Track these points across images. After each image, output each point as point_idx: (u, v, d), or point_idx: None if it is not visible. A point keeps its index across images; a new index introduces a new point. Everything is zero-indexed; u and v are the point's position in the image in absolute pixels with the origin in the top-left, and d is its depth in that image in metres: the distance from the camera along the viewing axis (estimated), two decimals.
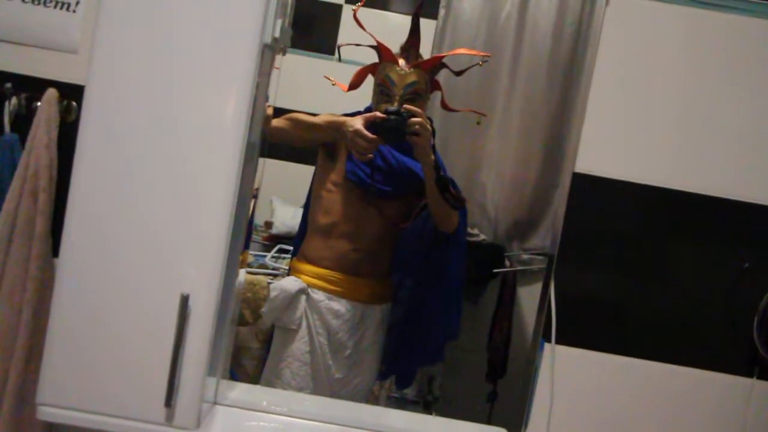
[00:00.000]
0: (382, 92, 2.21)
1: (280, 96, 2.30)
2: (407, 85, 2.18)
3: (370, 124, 2.16)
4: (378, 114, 2.13)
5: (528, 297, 3.32)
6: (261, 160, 1.64)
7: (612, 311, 1.58)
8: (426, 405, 3.08)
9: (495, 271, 3.25)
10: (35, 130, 1.56)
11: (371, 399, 2.55)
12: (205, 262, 1.43)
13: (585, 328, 1.57)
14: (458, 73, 2.33)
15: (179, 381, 1.43)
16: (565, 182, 1.60)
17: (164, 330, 1.41)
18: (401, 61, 2.21)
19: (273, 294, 2.30)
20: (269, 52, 1.49)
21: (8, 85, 1.60)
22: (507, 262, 3.24)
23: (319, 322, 2.31)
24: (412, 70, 2.20)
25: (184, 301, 1.40)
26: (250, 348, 2.76)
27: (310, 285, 2.32)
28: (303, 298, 2.31)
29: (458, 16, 3.22)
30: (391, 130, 2.12)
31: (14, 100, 1.59)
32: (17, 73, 1.61)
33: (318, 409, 1.74)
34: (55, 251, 1.54)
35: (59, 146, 1.59)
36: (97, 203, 1.43)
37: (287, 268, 2.48)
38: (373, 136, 2.14)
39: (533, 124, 3.14)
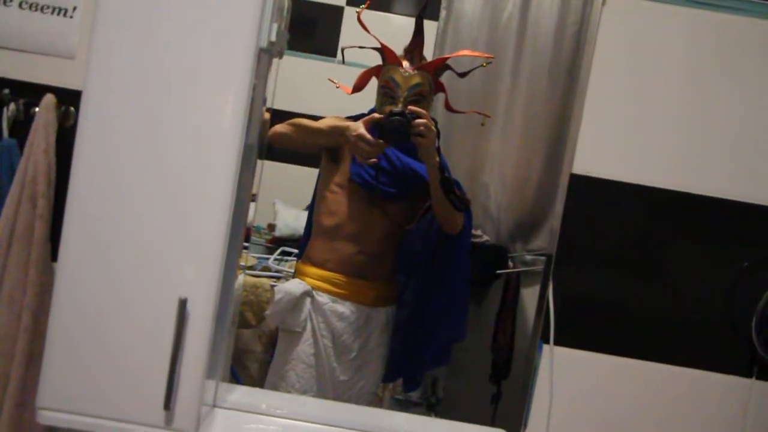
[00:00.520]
0: (386, 94, 2.21)
1: (282, 99, 2.31)
2: (411, 86, 2.18)
3: (374, 126, 2.17)
4: (375, 116, 2.14)
5: (531, 298, 3.27)
6: (261, 163, 1.64)
7: (610, 312, 1.57)
8: (430, 406, 3.07)
9: (498, 272, 3.25)
10: (33, 135, 1.56)
11: (375, 401, 2.55)
12: (203, 266, 1.43)
13: (583, 329, 1.57)
14: (462, 75, 2.33)
15: (178, 384, 1.44)
16: (563, 183, 1.60)
17: (163, 333, 1.42)
18: (405, 63, 2.21)
19: (277, 297, 2.30)
20: (266, 56, 1.49)
21: (6, 91, 1.61)
22: (510, 263, 3.24)
23: (324, 325, 2.31)
24: (416, 71, 2.20)
25: (182, 304, 1.40)
26: (254, 351, 2.76)
27: (314, 288, 2.32)
28: (308, 300, 2.31)
29: (459, 17, 3.21)
30: (396, 131, 2.12)
31: (12, 105, 1.60)
32: (15, 79, 1.63)
33: (318, 412, 1.74)
34: (54, 256, 1.55)
35: (57, 151, 1.59)
36: (95, 207, 1.43)
37: (291, 270, 2.48)
38: (377, 140, 2.14)
39: (536, 125, 3.12)
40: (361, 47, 2.23)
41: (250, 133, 1.47)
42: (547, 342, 1.55)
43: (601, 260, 1.56)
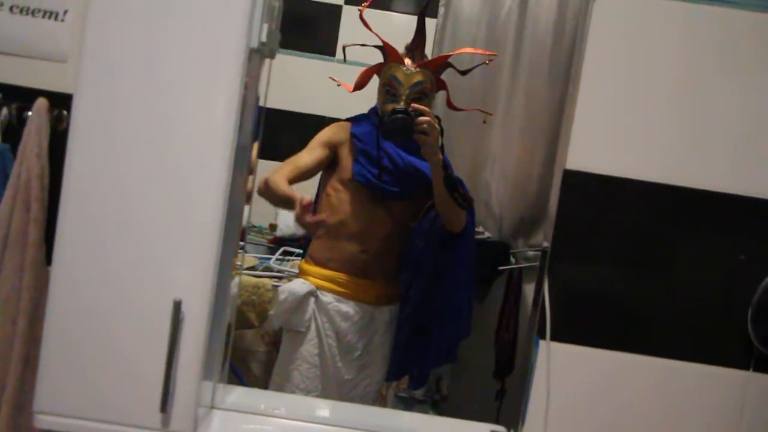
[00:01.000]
0: (388, 92, 2.21)
1: (282, 99, 2.31)
2: (413, 84, 2.19)
3: (379, 123, 2.17)
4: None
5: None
6: (257, 162, 1.64)
7: (607, 307, 1.57)
8: (434, 404, 3.09)
9: (500, 268, 3.25)
10: (26, 139, 1.56)
11: (379, 399, 2.56)
12: (198, 267, 1.44)
13: (579, 324, 1.57)
14: (464, 73, 2.33)
15: (174, 386, 1.44)
16: (557, 179, 1.59)
17: (158, 335, 1.42)
18: (407, 61, 2.21)
19: (281, 297, 2.30)
20: (257, 56, 1.49)
21: None
22: (512, 260, 3.25)
23: (329, 325, 2.31)
24: (418, 69, 2.21)
25: (177, 306, 1.41)
26: (257, 351, 2.77)
27: (318, 287, 2.33)
28: (312, 300, 2.32)
29: (458, 14, 3.22)
30: (399, 129, 2.13)
31: (4, 110, 1.60)
32: (7, 83, 1.62)
33: (317, 412, 1.74)
34: (48, 259, 1.54)
35: (51, 155, 1.59)
36: (89, 211, 1.43)
37: (293, 270, 2.49)
38: (316, 222, 2.17)
39: (536, 121, 3.13)
40: (363, 45, 2.23)
41: (242, 134, 1.47)
42: (544, 338, 1.54)
43: (597, 255, 1.56)
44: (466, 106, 2.43)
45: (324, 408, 1.98)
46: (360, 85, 2.30)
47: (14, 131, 1.60)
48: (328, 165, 2.36)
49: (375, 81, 2.31)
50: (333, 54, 3.44)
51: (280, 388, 2.29)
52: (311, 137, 2.41)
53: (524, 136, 3.18)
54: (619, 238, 1.56)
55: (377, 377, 2.38)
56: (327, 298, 2.32)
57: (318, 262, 2.36)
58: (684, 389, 1.55)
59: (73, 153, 1.42)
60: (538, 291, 1.60)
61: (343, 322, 2.31)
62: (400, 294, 2.39)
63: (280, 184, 2.24)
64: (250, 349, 2.78)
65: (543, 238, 3.27)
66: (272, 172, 2.29)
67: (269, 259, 2.98)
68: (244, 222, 1.63)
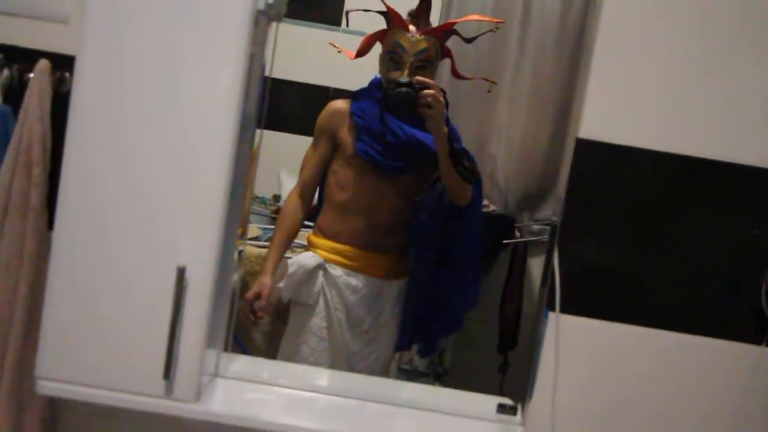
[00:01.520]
0: (392, 59, 2.16)
1: (287, 68, 2.27)
2: (418, 52, 2.14)
3: (382, 96, 2.13)
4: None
5: (539, 268, 3.31)
6: (261, 132, 1.61)
7: (617, 280, 1.54)
8: (437, 376, 3.07)
9: (505, 241, 3.24)
10: (28, 102, 1.53)
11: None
12: (202, 234, 1.42)
13: (590, 297, 1.54)
14: (469, 40, 2.28)
15: (177, 354, 1.43)
16: (569, 148, 1.57)
17: (162, 302, 1.41)
18: (411, 28, 2.16)
19: (291, 270, 2.29)
20: (264, 18, 1.46)
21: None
22: (517, 233, 3.23)
23: (338, 298, 2.29)
24: (423, 36, 2.16)
25: (181, 273, 1.39)
26: (260, 322, 2.75)
27: (327, 260, 2.30)
28: (320, 273, 2.30)
29: None
30: (403, 102, 2.08)
31: (6, 71, 1.57)
32: (8, 45, 1.59)
33: (321, 382, 1.73)
34: (50, 224, 1.52)
35: (53, 118, 1.56)
36: (91, 175, 1.42)
37: (297, 241, 2.46)
38: (256, 317, 2.28)
39: (543, 93, 3.10)
40: (366, 11, 2.18)
41: (248, 100, 1.45)
42: (553, 310, 1.52)
43: (609, 227, 1.53)
44: (472, 75, 2.39)
45: (328, 378, 1.97)
46: (362, 51, 2.25)
47: (16, 93, 1.57)
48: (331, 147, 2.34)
49: (377, 49, 2.26)
50: (338, 24, 3.39)
51: (290, 361, 2.26)
52: (315, 109, 2.39)
53: (531, 108, 3.15)
54: (631, 209, 1.53)
55: (385, 350, 2.36)
56: (336, 271, 2.30)
57: (327, 235, 2.34)
58: (696, 364, 1.53)
59: (75, 116, 1.41)
60: (548, 262, 1.57)
61: (351, 295, 2.29)
62: (408, 267, 2.36)
63: (276, 237, 2.37)
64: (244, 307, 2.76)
65: (550, 213, 3.30)
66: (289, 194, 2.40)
67: (272, 229, 2.95)
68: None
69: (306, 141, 2.44)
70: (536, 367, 1.57)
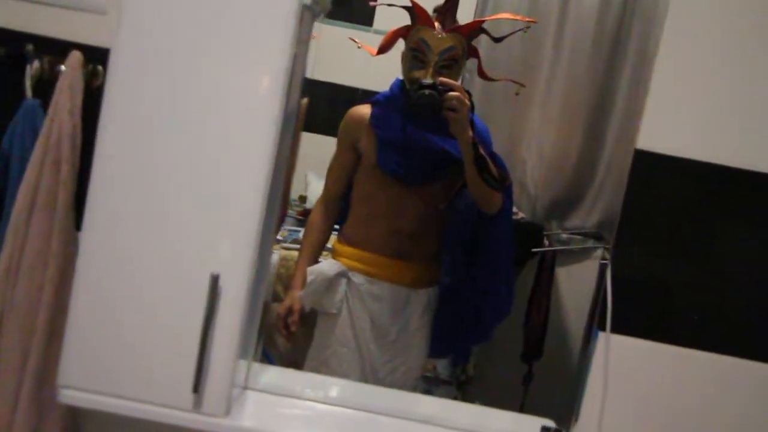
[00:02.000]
0: (416, 57, 2.07)
1: (315, 68, 2.21)
2: (444, 50, 2.05)
3: (405, 99, 2.05)
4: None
5: (567, 277, 3.29)
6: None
7: (674, 299, 1.47)
8: (459, 385, 3.06)
9: (534, 250, 3.19)
10: (58, 95, 1.48)
11: None
12: (238, 240, 1.36)
13: (644, 316, 1.47)
14: (498, 40, 2.18)
15: (208, 365, 1.37)
16: (622, 159, 1.49)
17: (193, 311, 1.35)
18: (437, 25, 2.07)
19: (310, 278, 2.22)
20: (309, 14, 1.40)
21: (30, 47, 1.52)
22: (546, 242, 3.18)
23: (360, 306, 2.22)
24: (449, 34, 2.06)
25: (214, 281, 1.33)
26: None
27: (350, 268, 2.24)
28: (343, 281, 2.24)
29: None
30: (426, 105, 1.98)
31: (36, 63, 1.51)
32: (39, 35, 1.53)
33: (352, 396, 1.66)
34: (78, 225, 1.47)
35: (84, 113, 1.51)
36: (123, 175, 1.36)
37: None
38: (289, 332, 2.26)
39: (577, 97, 3.07)
40: (390, 5, 2.09)
41: (290, 101, 1.38)
42: (603, 329, 1.44)
43: (666, 243, 1.46)
44: (499, 77, 2.31)
45: (361, 393, 1.89)
46: (384, 48, 2.16)
47: (46, 86, 1.51)
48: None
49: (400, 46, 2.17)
50: (369, 23, 3.33)
51: (317, 372, 2.19)
52: (343, 110, 2.32)
53: (564, 113, 3.12)
54: (691, 226, 1.45)
55: (416, 362, 2.29)
56: (358, 279, 2.23)
57: (350, 243, 2.27)
58: (756, 391, 1.45)
59: (107, 112, 1.35)
60: (600, 280, 1.50)
61: (375, 304, 2.22)
62: (440, 276, 2.28)
63: (303, 249, 2.34)
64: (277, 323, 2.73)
65: (579, 221, 3.25)
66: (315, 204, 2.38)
67: (298, 231, 2.89)
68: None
69: (334, 142, 2.39)
70: (583, 389, 1.50)
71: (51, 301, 1.47)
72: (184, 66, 1.34)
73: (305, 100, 1.46)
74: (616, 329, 1.46)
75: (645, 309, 1.47)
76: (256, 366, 1.58)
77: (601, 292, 1.48)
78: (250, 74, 1.34)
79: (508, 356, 2.81)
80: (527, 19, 2.24)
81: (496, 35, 2.19)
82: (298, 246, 2.73)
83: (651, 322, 1.47)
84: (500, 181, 2.07)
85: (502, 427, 1.61)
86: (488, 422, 1.61)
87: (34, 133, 1.49)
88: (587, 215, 3.21)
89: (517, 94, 2.32)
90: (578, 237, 3.29)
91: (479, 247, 2.28)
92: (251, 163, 1.35)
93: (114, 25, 1.34)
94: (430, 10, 2.11)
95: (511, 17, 2.33)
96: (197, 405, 1.38)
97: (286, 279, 2.68)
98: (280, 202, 1.49)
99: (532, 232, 3.16)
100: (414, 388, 2.30)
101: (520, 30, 2.20)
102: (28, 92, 1.53)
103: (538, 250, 3.19)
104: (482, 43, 2.23)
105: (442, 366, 2.74)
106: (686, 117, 1.44)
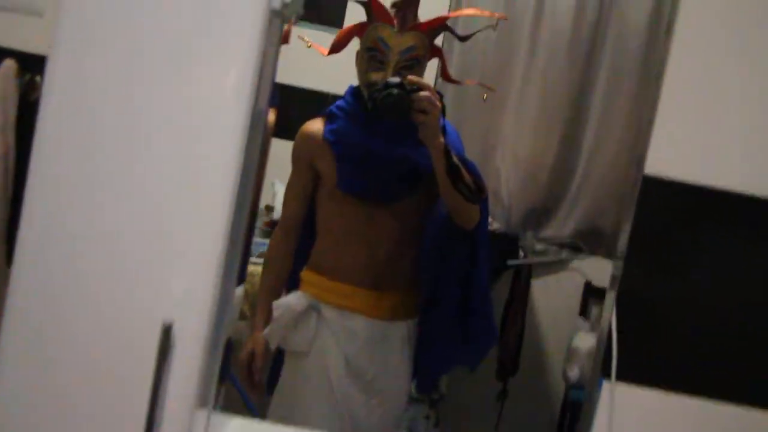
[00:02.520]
0: (373, 58, 1.93)
1: (281, 71, 2.05)
2: (404, 50, 1.91)
3: (369, 100, 1.90)
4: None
5: (542, 289, 3.28)
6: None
7: (689, 343, 1.34)
8: (432, 403, 3.07)
9: (509, 263, 3.15)
10: None
11: None
12: (195, 279, 1.22)
13: (653, 363, 1.35)
14: (463, 39, 2.07)
15: (161, 421, 1.22)
16: (598, 166, 1.37)
17: (143, 362, 1.20)
18: (396, 22, 1.92)
19: (276, 313, 2.06)
20: (277, 19, 1.25)
21: None
22: (521, 253, 3.12)
23: (333, 343, 2.05)
24: (409, 32, 1.91)
25: (166, 332, 1.18)
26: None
27: (321, 300, 2.07)
28: (313, 315, 2.07)
29: None
30: (393, 106, 1.81)
31: None
32: None
33: None
34: (9, 259, 1.34)
35: (18, 130, 1.40)
36: (61, 202, 1.24)
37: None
38: (253, 381, 2.13)
39: (552, 106, 3.13)
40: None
41: (256, 112, 1.24)
42: (608, 378, 1.31)
43: (680, 279, 1.34)
44: (466, 80, 2.19)
45: None
46: (336, 47, 2.03)
47: None
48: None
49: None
50: (340, 25, 3.24)
51: (285, 413, 2.03)
52: (312, 115, 2.17)
53: (539, 122, 3.13)
54: (711, 260, 1.33)
55: (396, 402, 2.13)
56: (330, 313, 2.06)
57: (320, 271, 2.10)
58: None
59: (44, 128, 1.22)
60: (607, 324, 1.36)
61: (349, 340, 2.05)
62: (419, 303, 2.12)
63: (264, 283, 2.22)
64: (242, 341, 2.64)
65: (554, 231, 3.22)
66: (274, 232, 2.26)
67: (265, 244, 2.78)
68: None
69: None
70: None
71: None
72: (135, 75, 1.21)
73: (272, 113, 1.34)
74: (621, 377, 1.33)
75: (654, 355, 1.35)
76: (217, 418, 1.42)
77: (605, 337, 1.35)
78: (212, 84, 1.21)
79: (482, 373, 2.69)
80: (497, 15, 2.10)
81: (466, 33, 2.09)
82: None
83: (662, 368, 1.35)
84: (476, 191, 1.92)
85: None
86: None
87: None
88: (563, 224, 3.21)
89: (484, 99, 2.25)
90: (554, 247, 3.25)
91: (459, 265, 2.12)
92: (212, 186, 1.22)
93: (52, 28, 1.21)
94: (388, 5, 1.97)
95: (479, 13, 2.22)
96: None
97: (252, 297, 2.62)
98: (245, 228, 1.34)
99: (507, 243, 3.15)
100: (396, 427, 2.18)
101: (488, 27, 2.09)
102: None
103: (515, 262, 3.15)
104: (455, 46, 2.11)
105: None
106: (697, 142, 1.33)
